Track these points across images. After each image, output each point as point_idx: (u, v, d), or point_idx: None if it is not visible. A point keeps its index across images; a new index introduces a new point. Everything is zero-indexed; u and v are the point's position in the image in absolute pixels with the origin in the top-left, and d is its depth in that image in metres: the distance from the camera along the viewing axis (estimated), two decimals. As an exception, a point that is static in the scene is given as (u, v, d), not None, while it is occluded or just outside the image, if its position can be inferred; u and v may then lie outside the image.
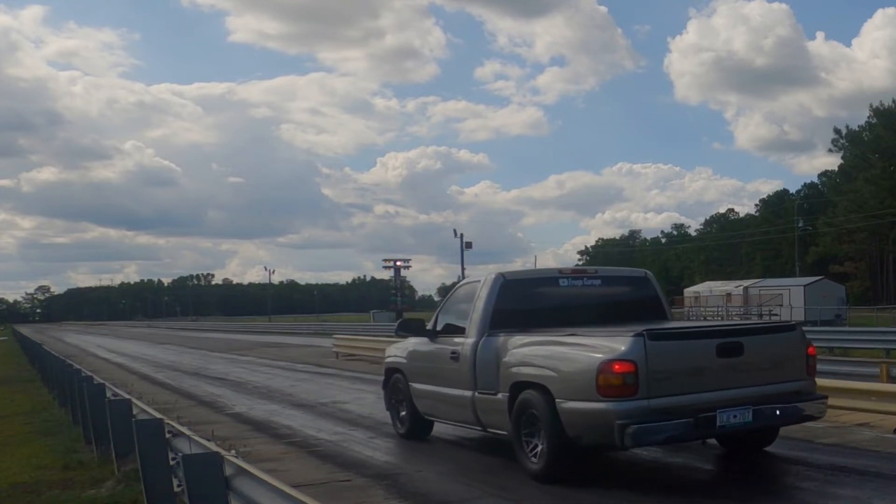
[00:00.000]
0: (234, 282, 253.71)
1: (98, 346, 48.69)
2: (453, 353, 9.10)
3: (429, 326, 10.03)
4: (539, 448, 7.73)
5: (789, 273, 79.96)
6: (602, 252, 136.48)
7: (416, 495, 7.59)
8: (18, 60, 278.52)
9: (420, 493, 7.69)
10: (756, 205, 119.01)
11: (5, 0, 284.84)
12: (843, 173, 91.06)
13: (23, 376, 26.90)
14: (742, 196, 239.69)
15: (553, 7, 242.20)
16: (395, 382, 10.68)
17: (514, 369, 8.07)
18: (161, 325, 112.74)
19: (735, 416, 7.24)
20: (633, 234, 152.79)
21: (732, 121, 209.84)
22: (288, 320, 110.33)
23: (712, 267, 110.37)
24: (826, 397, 8.21)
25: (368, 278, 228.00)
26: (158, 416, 7.75)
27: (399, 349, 10.76)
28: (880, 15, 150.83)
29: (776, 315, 48.64)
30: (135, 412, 8.82)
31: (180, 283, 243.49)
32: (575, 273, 9.47)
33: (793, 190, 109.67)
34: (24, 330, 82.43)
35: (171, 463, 6.75)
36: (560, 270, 9.54)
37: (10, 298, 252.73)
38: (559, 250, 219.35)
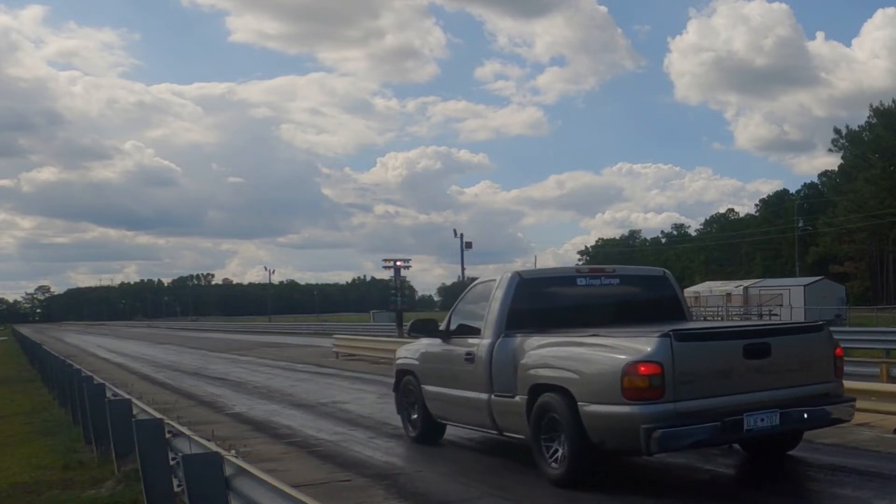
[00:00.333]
0: (234, 282, 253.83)
1: (98, 346, 48.70)
2: (468, 354, 8.85)
3: (442, 327, 9.78)
4: (559, 453, 7.51)
5: (789, 273, 79.96)
6: (602, 252, 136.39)
7: (416, 495, 7.60)
8: (18, 60, 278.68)
9: (420, 493, 7.69)
10: (756, 205, 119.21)
11: (5, 0, 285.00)
12: (843, 173, 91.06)
13: (23, 376, 26.90)
14: (742, 196, 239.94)
15: (553, 7, 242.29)
16: (406, 385, 10.41)
17: (533, 371, 7.84)
18: (161, 325, 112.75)
19: (762, 420, 7.02)
20: (633, 234, 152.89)
21: (732, 121, 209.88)
22: (288, 320, 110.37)
23: (712, 267, 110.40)
24: (854, 400, 7.95)
25: (368, 278, 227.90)
26: (158, 416, 7.75)
27: (410, 350, 10.52)
28: (880, 15, 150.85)
29: (776, 315, 48.63)
30: (135, 412, 8.82)
31: (180, 283, 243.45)
32: (592, 272, 9.22)
33: (793, 190, 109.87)
34: (24, 330, 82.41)
35: (171, 463, 6.75)
36: (577, 269, 9.36)
37: (10, 298, 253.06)
38: (559, 250, 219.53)
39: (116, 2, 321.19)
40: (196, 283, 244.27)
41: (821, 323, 8.24)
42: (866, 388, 10.44)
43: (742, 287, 61.90)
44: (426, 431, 10.05)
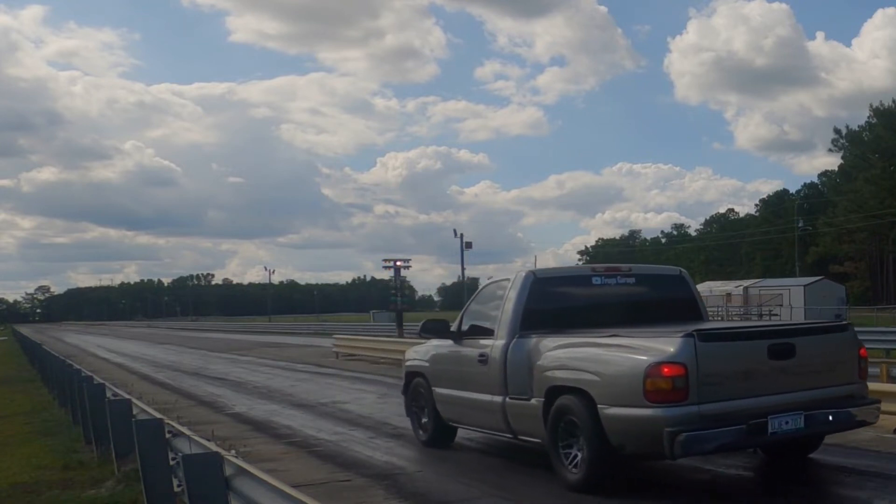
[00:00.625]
0: (234, 282, 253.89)
1: (98, 346, 48.71)
2: (481, 355, 8.61)
3: (453, 328, 9.55)
4: (578, 457, 7.31)
5: (789, 273, 79.96)
6: (602, 252, 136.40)
7: (416, 495, 7.59)
8: (18, 60, 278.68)
9: (420, 493, 7.69)
10: (756, 205, 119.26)
11: (5, 0, 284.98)
12: (843, 173, 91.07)
13: (23, 376, 26.91)
14: (742, 196, 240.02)
15: (553, 7, 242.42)
16: (416, 387, 10.16)
17: (550, 373, 7.61)
18: (161, 325, 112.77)
19: (787, 423, 6.84)
20: (633, 234, 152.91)
21: (732, 121, 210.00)
22: (288, 320, 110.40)
23: (712, 267, 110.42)
24: (879, 402, 7.80)
25: (368, 278, 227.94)
26: (158, 416, 7.74)
27: (420, 352, 10.27)
28: (880, 15, 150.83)
29: (776, 315, 48.62)
30: (135, 412, 8.81)
31: (180, 283, 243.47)
32: (608, 271, 8.96)
33: (793, 190, 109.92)
34: (24, 330, 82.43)
35: (171, 463, 6.75)
36: (593, 268, 9.11)
37: (10, 298, 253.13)
38: (559, 250, 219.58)
39: (116, 2, 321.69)
40: (196, 283, 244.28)
41: (845, 323, 7.99)
42: (866, 388, 10.43)
43: (742, 287, 61.90)
44: (437, 435, 9.81)
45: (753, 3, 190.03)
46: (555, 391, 7.52)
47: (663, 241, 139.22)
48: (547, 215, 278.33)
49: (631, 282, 8.94)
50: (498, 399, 8.35)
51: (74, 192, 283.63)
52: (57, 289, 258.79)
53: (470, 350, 8.95)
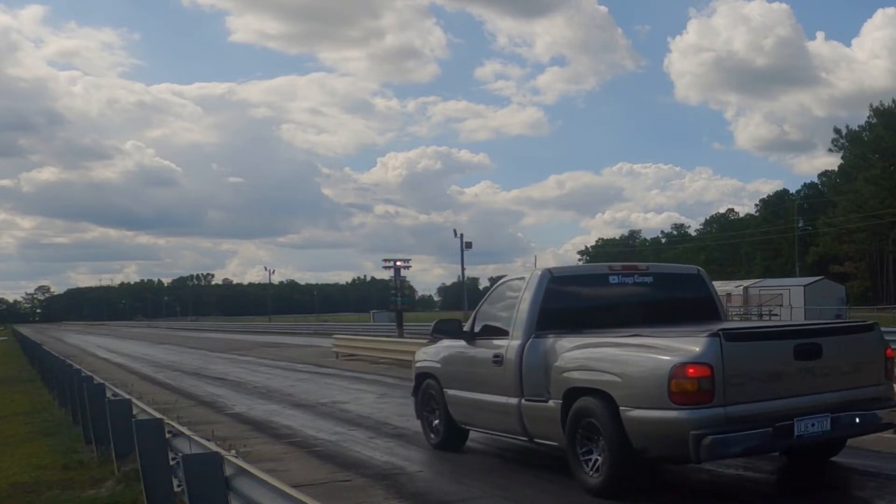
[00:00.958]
0: (234, 282, 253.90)
1: (98, 346, 48.71)
2: (496, 356, 8.37)
3: (466, 328, 9.34)
4: (598, 460, 7.12)
5: (789, 273, 79.95)
6: (602, 252, 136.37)
7: (416, 495, 7.59)
8: (18, 60, 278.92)
9: (420, 493, 7.69)
10: (756, 205, 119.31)
11: (5, 0, 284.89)
12: (843, 173, 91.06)
13: (23, 376, 26.90)
14: (742, 196, 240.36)
15: (553, 7, 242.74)
16: (427, 389, 9.91)
17: (568, 374, 7.39)
18: (161, 325, 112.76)
19: (813, 425, 6.67)
20: (633, 234, 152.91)
21: (732, 121, 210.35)
22: (288, 320, 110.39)
23: (712, 267, 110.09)
24: None
25: (368, 278, 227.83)
26: (158, 416, 7.74)
27: (431, 353, 10.03)
28: (880, 15, 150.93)
29: (776, 315, 48.61)
30: (135, 412, 8.81)
31: (180, 283, 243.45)
32: (626, 269, 8.75)
33: (793, 190, 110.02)
34: (24, 330, 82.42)
35: (171, 463, 6.74)
36: (610, 266, 8.81)
37: (10, 298, 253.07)
38: (559, 250, 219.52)
39: (116, 2, 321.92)
40: (196, 283, 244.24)
41: (872, 322, 7.79)
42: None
43: (742, 287, 61.85)
44: (449, 437, 9.59)
45: (753, 3, 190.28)
46: (574, 393, 7.32)
47: (663, 241, 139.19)
48: (547, 215, 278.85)
49: (648, 281, 8.75)
50: (513, 401, 8.14)
51: (74, 192, 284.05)
52: (57, 289, 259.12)
53: (484, 351, 8.73)
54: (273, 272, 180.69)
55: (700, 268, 9.50)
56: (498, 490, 7.63)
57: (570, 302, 8.47)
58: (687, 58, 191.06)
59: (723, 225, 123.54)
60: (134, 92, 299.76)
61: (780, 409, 6.60)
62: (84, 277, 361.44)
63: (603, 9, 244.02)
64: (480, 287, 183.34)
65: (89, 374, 13.60)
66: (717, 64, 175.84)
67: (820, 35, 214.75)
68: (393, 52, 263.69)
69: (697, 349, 6.42)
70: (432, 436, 9.86)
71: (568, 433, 7.38)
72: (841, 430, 6.98)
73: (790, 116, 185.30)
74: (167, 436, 7.02)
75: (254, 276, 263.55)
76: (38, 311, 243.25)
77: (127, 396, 10.17)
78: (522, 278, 8.70)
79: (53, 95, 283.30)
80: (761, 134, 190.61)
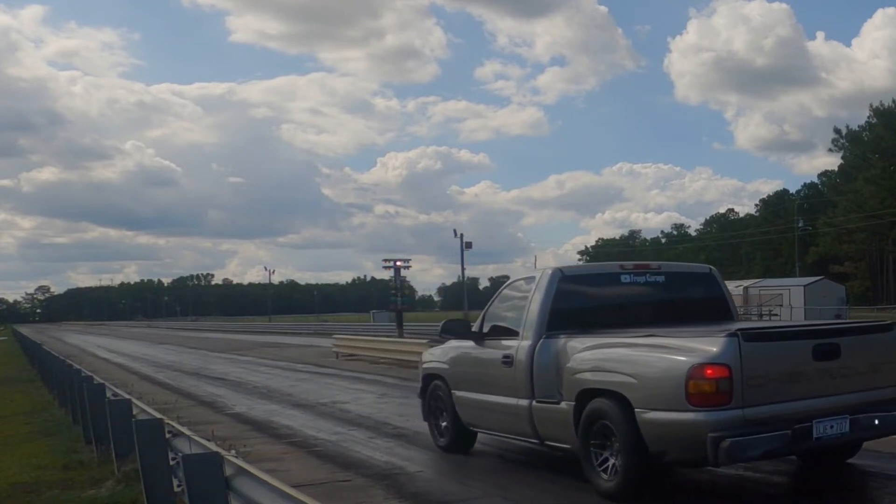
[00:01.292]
0: (234, 282, 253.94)
1: (98, 346, 48.71)
2: (506, 357, 8.21)
3: (474, 328, 9.18)
4: (612, 463, 6.96)
5: (789, 273, 79.95)
6: (602, 252, 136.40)
7: (416, 495, 7.58)
8: (18, 60, 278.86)
9: (420, 493, 7.68)
10: (756, 205, 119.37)
11: (5, 0, 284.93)
12: (843, 173, 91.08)
13: (23, 376, 26.90)
14: (742, 196, 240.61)
15: (553, 7, 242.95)
16: (434, 390, 9.73)
17: (581, 375, 7.24)
18: (161, 325, 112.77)
19: (832, 427, 6.55)
20: (633, 234, 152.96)
21: (732, 121, 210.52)
22: (288, 320, 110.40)
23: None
24: None
25: (368, 278, 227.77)
26: (158, 416, 7.73)
27: (439, 353, 9.86)
28: (880, 15, 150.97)
29: (776, 315, 48.63)
30: (135, 412, 8.81)
31: (180, 283, 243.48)
32: (637, 268, 8.59)
33: (793, 190, 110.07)
34: (24, 330, 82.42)
35: (171, 463, 6.74)
36: (622, 265, 8.68)
37: (10, 298, 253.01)
38: (559, 250, 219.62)
39: (116, 2, 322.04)
40: (196, 283, 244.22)
41: (890, 322, 7.61)
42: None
43: (742, 287, 61.85)
44: (456, 439, 9.42)
45: (753, 3, 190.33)
46: (587, 394, 7.17)
47: (663, 241, 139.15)
48: (547, 215, 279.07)
49: (660, 280, 8.61)
50: (524, 403, 7.98)
51: (74, 192, 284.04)
52: (57, 289, 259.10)
53: (493, 351, 8.59)
54: (273, 272, 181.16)
55: (712, 267, 9.37)
56: (499, 490, 7.62)
57: (582, 301, 8.36)
58: (687, 58, 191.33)
59: (723, 225, 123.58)
60: (134, 92, 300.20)
61: (799, 411, 6.47)
62: (84, 277, 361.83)
63: (603, 9, 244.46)
64: (480, 287, 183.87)
65: (89, 374, 13.60)
66: (717, 64, 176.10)
67: (820, 35, 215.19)
68: (393, 52, 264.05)
69: (715, 349, 6.30)
70: (440, 438, 9.71)
71: (581, 436, 7.23)
72: (860, 431, 6.88)
73: (790, 116, 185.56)
74: (167, 436, 7.01)
75: (254, 276, 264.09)
76: (38, 311, 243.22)
77: (127, 396, 10.16)
78: (532, 278, 8.56)
79: (53, 95, 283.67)
80: (761, 134, 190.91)
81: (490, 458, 9.28)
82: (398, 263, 38.67)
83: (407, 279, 41.30)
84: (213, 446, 5.87)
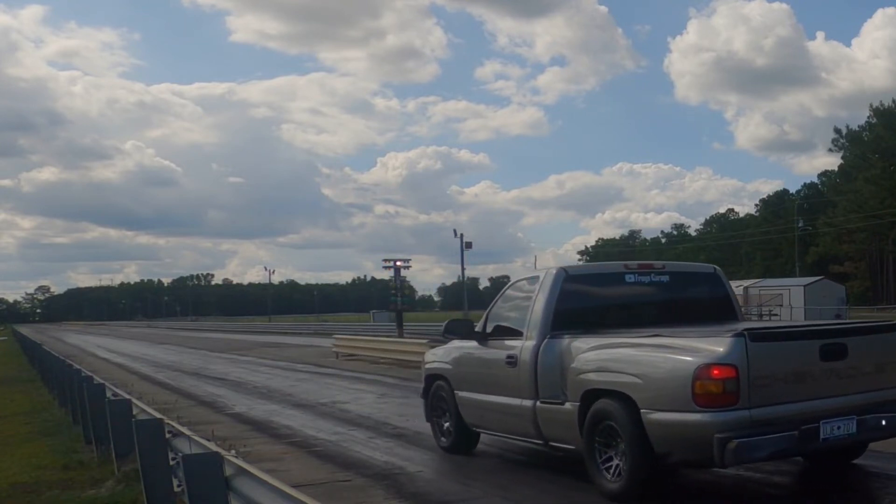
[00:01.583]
0: (234, 282, 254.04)
1: (98, 346, 48.70)
2: (510, 357, 8.16)
3: (478, 328, 9.12)
4: (617, 464, 6.91)
5: (789, 273, 79.94)
6: (602, 252, 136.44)
7: (416, 495, 7.58)
8: (18, 60, 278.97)
9: (420, 493, 7.67)
10: (756, 205, 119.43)
11: (5, 0, 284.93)
12: (843, 173, 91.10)
13: (23, 376, 26.89)
14: (742, 196, 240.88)
15: (553, 7, 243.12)
16: (437, 390, 9.65)
17: (586, 375, 7.19)
18: (161, 325, 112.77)
19: (839, 428, 6.51)
20: (633, 234, 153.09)
21: (732, 121, 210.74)
22: (288, 320, 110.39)
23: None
24: None
25: (368, 278, 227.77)
26: (158, 416, 7.72)
27: (442, 354, 9.79)
28: (880, 15, 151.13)
29: (776, 315, 48.62)
30: (135, 412, 8.80)
31: (180, 283, 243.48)
32: (642, 268, 8.56)
33: (793, 190, 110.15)
34: (24, 330, 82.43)
35: (171, 463, 6.73)
36: (626, 265, 8.63)
37: (10, 298, 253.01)
38: (559, 250, 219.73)
39: (116, 2, 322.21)
40: (196, 283, 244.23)
41: None
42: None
43: (742, 287, 61.83)
44: (460, 441, 9.36)
45: (753, 3, 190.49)
46: (592, 395, 7.11)
47: (663, 241, 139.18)
48: (547, 215, 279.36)
49: (664, 280, 8.55)
50: (528, 403, 7.92)
51: (74, 192, 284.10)
52: (57, 289, 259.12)
53: (496, 352, 8.53)
54: (273, 272, 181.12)
55: (717, 266, 9.35)
56: (499, 490, 7.61)
57: (586, 301, 8.33)
58: (687, 58, 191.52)
59: (723, 225, 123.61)
60: (134, 92, 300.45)
61: (806, 412, 6.43)
62: (84, 277, 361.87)
63: (603, 9, 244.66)
64: (480, 287, 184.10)
65: (89, 374, 13.59)
66: (717, 64, 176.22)
67: (820, 35, 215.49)
68: (393, 52, 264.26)
69: (722, 349, 6.25)
70: (443, 439, 9.65)
71: (586, 436, 7.18)
72: (867, 432, 6.85)
73: (790, 116, 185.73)
74: (167, 436, 7.01)
75: (254, 276, 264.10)
76: (38, 311, 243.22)
77: (127, 396, 10.16)
78: (536, 278, 8.49)
79: (53, 95, 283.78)
80: (761, 134, 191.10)
81: (490, 458, 9.27)
82: (398, 263, 38.66)
83: (407, 279, 41.34)
84: (213, 446, 5.86)
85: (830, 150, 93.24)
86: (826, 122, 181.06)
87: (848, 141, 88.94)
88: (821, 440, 6.48)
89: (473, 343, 9.09)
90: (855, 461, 7.94)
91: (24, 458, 11.29)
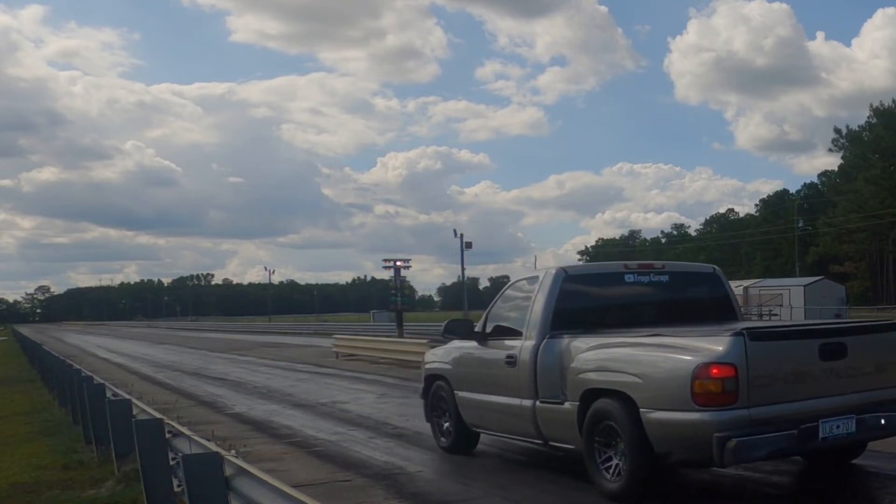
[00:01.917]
0: (234, 282, 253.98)
1: (98, 346, 48.70)
2: (509, 357, 8.17)
3: (477, 328, 9.12)
4: (617, 464, 6.92)
5: (789, 273, 79.93)
6: (602, 252, 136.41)
7: (416, 495, 7.58)
8: (18, 60, 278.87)
9: (420, 493, 7.68)
10: (756, 205, 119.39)
11: (5, 0, 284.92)
12: (843, 173, 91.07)
13: (23, 376, 26.89)
14: (742, 196, 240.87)
15: (553, 7, 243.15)
16: (437, 391, 9.65)
17: (585, 375, 7.19)
18: (161, 325, 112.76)
19: (838, 427, 6.52)
20: (633, 234, 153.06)
21: (732, 121, 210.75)
22: (288, 320, 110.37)
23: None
24: None
25: (368, 278, 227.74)
26: (158, 416, 7.73)
27: (441, 354, 9.80)
28: (880, 15, 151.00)
29: (776, 315, 48.63)
30: (135, 412, 8.80)
31: (180, 283, 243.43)
32: (641, 268, 8.56)
33: (793, 190, 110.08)
34: (24, 330, 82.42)
35: (171, 463, 6.74)
36: (626, 265, 8.65)
37: (10, 298, 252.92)
38: (559, 250, 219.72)
39: (116, 2, 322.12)
40: (196, 283, 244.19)
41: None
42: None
43: (742, 287, 61.85)
44: (460, 441, 9.37)
45: (753, 3, 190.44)
46: (591, 394, 7.12)
47: (663, 241, 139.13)
48: (547, 215, 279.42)
49: (664, 280, 8.56)
50: (527, 403, 7.92)
51: (74, 192, 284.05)
52: (57, 289, 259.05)
53: (496, 352, 8.55)
54: (273, 272, 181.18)
55: (716, 266, 9.35)
56: (498, 490, 7.62)
57: (586, 301, 8.34)
58: (687, 58, 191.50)
59: (723, 225, 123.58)
60: (134, 92, 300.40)
61: (805, 411, 6.44)
62: (84, 277, 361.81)
63: (603, 9, 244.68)
64: (480, 287, 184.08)
65: (89, 374, 13.60)
66: (717, 64, 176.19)
67: (820, 35, 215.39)
68: (393, 52, 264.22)
69: (721, 349, 6.26)
70: (443, 439, 9.65)
71: (585, 436, 7.18)
72: (866, 431, 6.86)
73: (790, 116, 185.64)
74: (167, 436, 7.01)
75: (254, 276, 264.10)
76: (38, 311, 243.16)
77: (127, 396, 10.16)
78: (536, 277, 8.49)
79: (53, 95, 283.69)
80: (761, 134, 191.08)
81: (490, 458, 9.27)
82: (398, 263, 38.66)
83: (407, 279, 41.31)
84: (213, 446, 5.86)
85: (830, 150, 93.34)
86: (826, 122, 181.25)
87: (848, 141, 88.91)
88: (820, 439, 6.48)
89: (473, 343, 9.09)
90: (854, 461, 7.95)
91: (24, 458, 11.30)
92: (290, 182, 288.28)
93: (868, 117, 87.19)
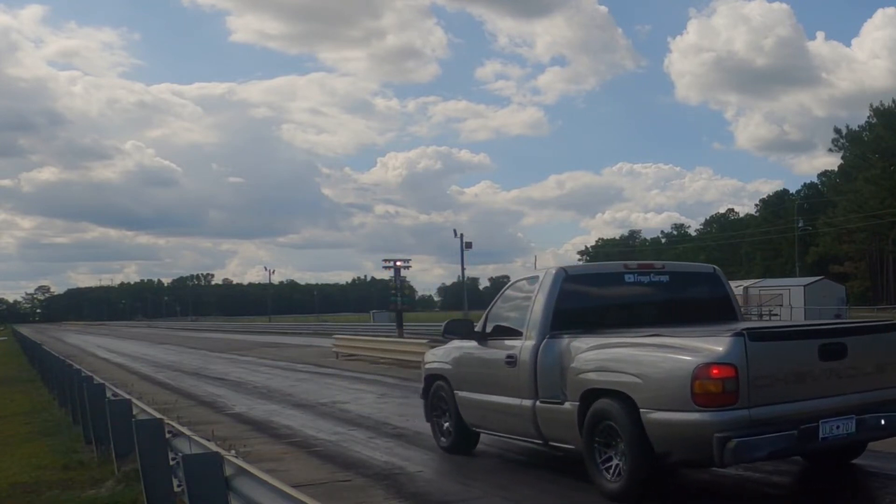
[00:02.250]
0: (234, 282, 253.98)
1: (98, 346, 48.70)
2: (509, 357, 8.17)
3: (478, 328, 9.12)
4: (617, 464, 6.92)
5: (789, 273, 79.92)
6: (602, 252, 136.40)
7: (416, 495, 7.58)
8: (18, 60, 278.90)
9: (420, 493, 7.68)
10: (756, 205, 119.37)
11: (5, 0, 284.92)
12: (843, 173, 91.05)
13: (23, 376, 26.89)
14: (742, 196, 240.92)
15: (553, 7, 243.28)
16: (437, 391, 9.65)
17: (586, 375, 7.19)
18: (161, 325, 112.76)
19: (838, 427, 6.53)
20: (633, 234, 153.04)
21: (732, 121, 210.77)
22: (288, 320, 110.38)
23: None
24: None
25: (368, 278, 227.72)
26: (158, 416, 7.73)
27: (442, 354, 9.79)
28: (880, 15, 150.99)
29: (776, 315, 48.62)
30: (135, 412, 8.80)
31: (180, 283, 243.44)
32: (641, 268, 8.57)
33: (793, 190, 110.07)
34: (24, 330, 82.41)
35: (171, 463, 6.74)
36: (626, 265, 8.65)
37: (10, 298, 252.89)
38: (559, 250, 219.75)
39: (116, 2, 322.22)
40: (196, 283, 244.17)
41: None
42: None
43: (742, 287, 61.84)
44: (460, 441, 9.37)
45: (753, 3, 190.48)
46: (591, 395, 7.12)
47: (663, 241, 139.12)
48: (547, 215, 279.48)
49: (664, 280, 8.55)
50: (527, 403, 7.92)
51: (74, 192, 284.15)
52: (57, 289, 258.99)
53: (496, 352, 8.54)
54: (273, 272, 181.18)
55: (716, 267, 9.34)
56: (498, 490, 7.62)
57: (586, 301, 8.34)
58: (687, 58, 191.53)
59: (723, 225, 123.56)
60: (134, 92, 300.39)
61: (805, 411, 6.44)
62: (84, 277, 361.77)
63: (603, 9, 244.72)
64: (480, 287, 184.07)
65: (89, 374, 13.59)
66: (717, 64, 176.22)
67: (820, 35, 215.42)
68: (393, 52, 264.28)
69: (721, 349, 6.26)
70: (443, 439, 9.64)
71: (585, 436, 7.18)
72: (866, 432, 6.86)
73: (790, 116, 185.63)
74: (167, 436, 7.01)
75: (254, 276, 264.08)
76: (38, 311, 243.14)
77: (127, 396, 10.16)
78: (536, 277, 8.49)
79: (53, 95, 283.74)
80: (761, 134, 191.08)
81: (490, 458, 9.27)
82: (398, 263, 38.66)
83: (407, 279, 41.33)
84: (213, 446, 5.86)
85: (830, 150, 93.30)
86: (826, 122, 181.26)
87: (848, 141, 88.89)
88: (820, 439, 6.49)
89: (473, 343, 9.09)
90: (854, 461, 7.95)
91: (24, 458, 11.30)
92: (290, 182, 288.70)
93: (868, 117, 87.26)
